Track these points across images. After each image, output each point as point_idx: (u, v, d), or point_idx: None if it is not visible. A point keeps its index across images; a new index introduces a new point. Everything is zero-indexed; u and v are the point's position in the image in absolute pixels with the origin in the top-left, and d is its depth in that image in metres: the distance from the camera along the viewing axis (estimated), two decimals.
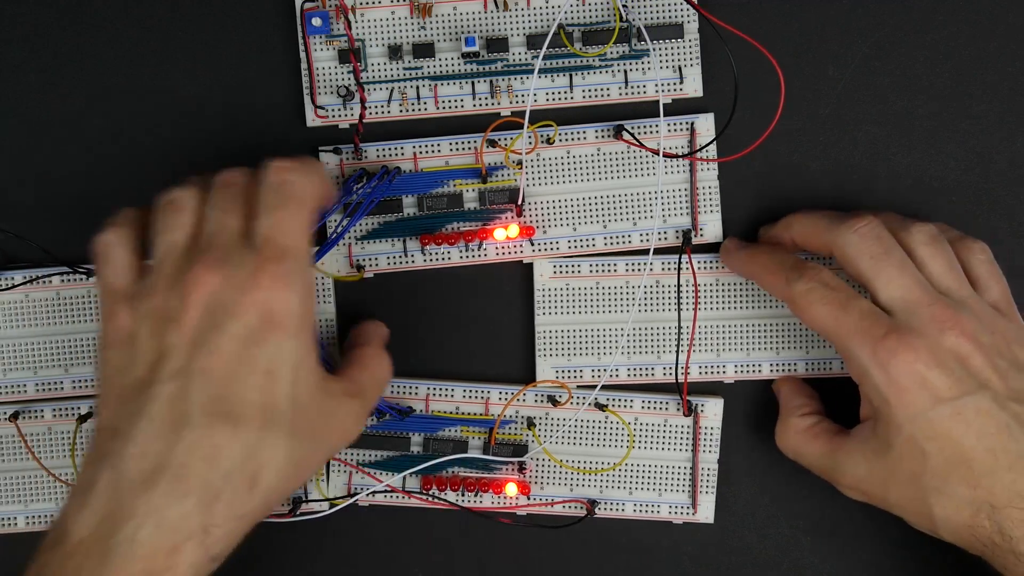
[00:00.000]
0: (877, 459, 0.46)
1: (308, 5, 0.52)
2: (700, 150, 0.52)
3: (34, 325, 0.54)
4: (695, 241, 0.53)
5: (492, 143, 0.52)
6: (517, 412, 0.54)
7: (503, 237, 0.53)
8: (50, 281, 0.54)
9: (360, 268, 0.53)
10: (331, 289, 0.54)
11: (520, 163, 0.52)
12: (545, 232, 0.53)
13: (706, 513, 0.54)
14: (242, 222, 0.45)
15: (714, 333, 0.53)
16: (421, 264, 0.53)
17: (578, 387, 0.53)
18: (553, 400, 0.53)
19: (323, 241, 0.52)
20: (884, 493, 0.47)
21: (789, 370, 0.53)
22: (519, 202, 0.52)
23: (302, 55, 0.52)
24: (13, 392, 0.54)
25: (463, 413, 0.54)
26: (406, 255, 0.53)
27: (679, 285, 0.53)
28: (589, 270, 0.53)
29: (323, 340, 0.53)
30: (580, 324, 0.53)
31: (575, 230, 0.53)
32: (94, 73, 0.54)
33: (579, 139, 0.52)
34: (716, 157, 0.52)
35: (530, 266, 0.54)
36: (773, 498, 0.54)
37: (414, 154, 0.53)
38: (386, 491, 0.54)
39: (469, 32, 0.52)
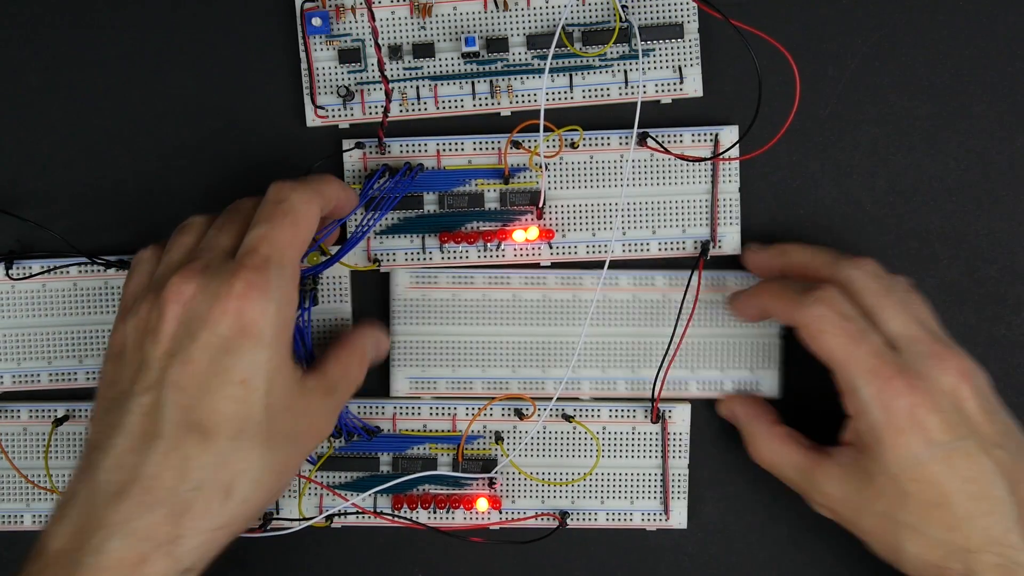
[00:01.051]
0: (856, 486, 0.46)
1: (308, 5, 0.52)
2: (722, 153, 0.52)
3: (50, 315, 0.54)
4: (713, 253, 0.53)
5: (516, 144, 0.52)
6: (484, 427, 0.54)
7: (522, 239, 0.53)
8: (67, 271, 0.54)
9: (376, 261, 0.53)
10: (348, 288, 0.54)
11: (542, 165, 0.52)
12: (564, 236, 0.53)
13: (679, 519, 0.54)
14: (234, 240, 0.45)
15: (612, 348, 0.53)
16: (439, 262, 0.53)
17: (556, 399, 0.53)
18: (519, 413, 0.53)
19: (344, 239, 0.52)
20: (856, 518, 0.47)
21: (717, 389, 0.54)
22: (540, 205, 0.52)
23: (302, 55, 0.52)
24: (27, 382, 0.54)
25: (430, 430, 0.54)
26: (424, 252, 0.53)
27: (684, 298, 0.52)
28: (448, 281, 0.53)
29: (306, 332, 0.52)
30: (436, 335, 0.54)
31: (594, 235, 0.53)
32: (94, 73, 0.54)
33: (603, 145, 0.52)
34: (737, 156, 0.52)
35: (386, 275, 0.54)
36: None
37: (437, 151, 0.53)
38: (356, 512, 0.54)
39: (469, 32, 0.52)
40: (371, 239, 0.53)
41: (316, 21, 0.51)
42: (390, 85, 0.52)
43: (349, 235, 0.52)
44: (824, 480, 0.48)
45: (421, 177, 0.52)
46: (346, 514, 0.54)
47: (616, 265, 0.53)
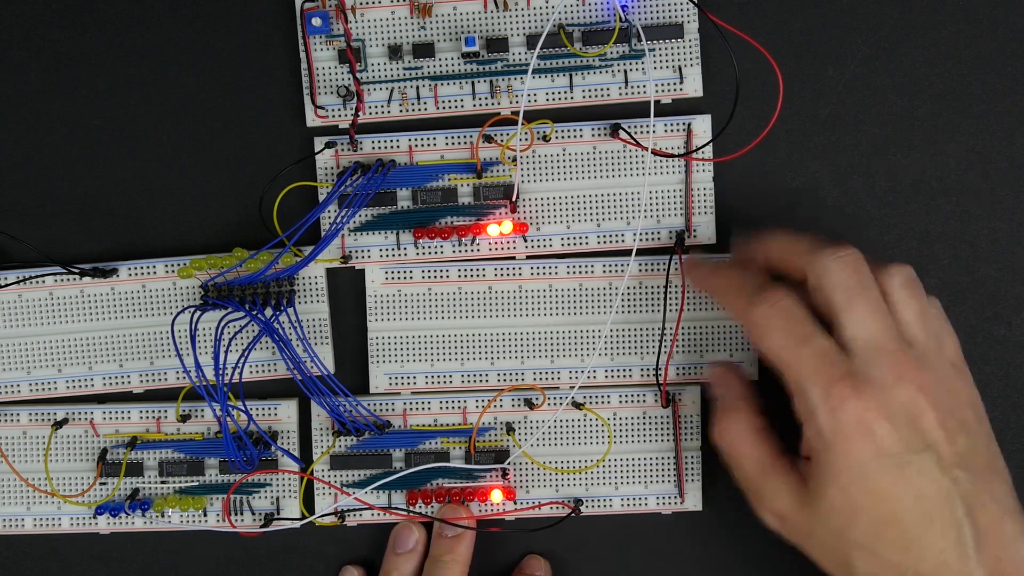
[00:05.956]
0: (807, 500, 0.45)
1: (308, 5, 0.52)
2: (696, 151, 0.52)
3: (27, 325, 0.54)
4: (688, 242, 0.53)
5: (488, 139, 0.52)
6: (495, 419, 0.54)
7: (496, 233, 0.53)
8: (43, 281, 0.54)
9: (346, 259, 0.53)
10: (324, 287, 0.53)
11: (515, 159, 0.52)
12: (539, 229, 0.53)
13: (694, 501, 0.54)
14: None
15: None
16: (413, 258, 0.53)
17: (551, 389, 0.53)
18: (530, 403, 0.53)
19: (318, 236, 0.53)
20: (807, 534, 0.45)
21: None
22: (513, 198, 0.52)
23: (302, 55, 0.52)
24: (7, 392, 0.54)
25: (442, 424, 0.54)
26: (399, 248, 0.53)
27: (667, 286, 0.53)
28: (421, 276, 0.53)
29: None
30: (412, 330, 0.54)
31: (568, 228, 0.53)
32: (94, 73, 0.54)
33: (575, 137, 0.52)
34: (712, 157, 0.52)
35: (362, 273, 0.54)
36: None
37: (409, 147, 0.53)
38: (368, 508, 0.54)
39: (469, 32, 0.52)
40: (345, 236, 0.53)
41: (316, 21, 0.51)
42: (388, 86, 0.52)
43: (323, 233, 0.52)
44: (779, 485, 0.46)
45: (394, 173, 0.52)
46: (360, 511, 0.54)
47: (591, 257, 0.53)
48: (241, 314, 0.51)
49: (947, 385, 0.45)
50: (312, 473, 0.54)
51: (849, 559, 0.44)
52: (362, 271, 0.53)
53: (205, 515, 0.54)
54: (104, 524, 0.55)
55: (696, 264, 0.51)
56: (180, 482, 0.54)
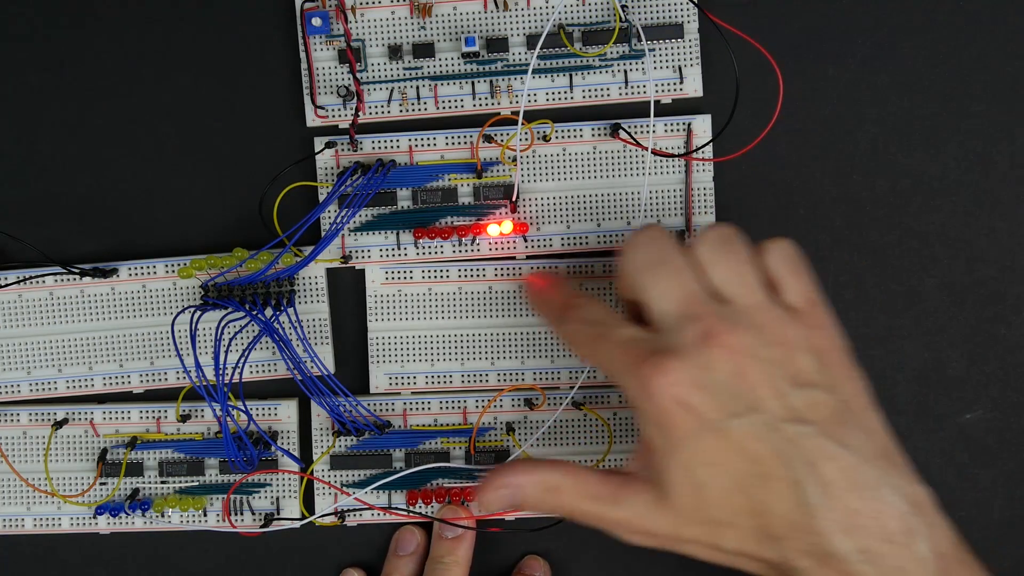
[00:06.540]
0: (659, 497, 0.42)
1: (308, 5, 0.52)
2: (696, 151, 0.52)
3: (27, 325, 0.54)
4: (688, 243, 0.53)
5: (488, 139, 0.52)
6: (495, 419, 0.54)
7: (496, 233, 0.53)
8: (43, 281, 0.54)
9: (346, 259, 0.53)
10: (324, 288, 0.53)
11: (515, 159, 0.52)
12: (539, 229, 0.53)
13: None
14: None
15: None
16: (414, 258, 0.53)
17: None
18: (530, 403, 0.53)
19: (318, 236, 0.53)
20: (675, 536, 0.42)
21: None
22: (513, 198, 0.52)
23: (302, 55, 0.52)
24: (7, 392, 0.54)
25: (442, 424, 0.54)
26: (399, 248, 0.53)
27: None
28: (421, 276, 0.53)
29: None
30: (412, 330, 0.54)
31: (568, 228, 0.53)
32: (94, 73, 0.54)
33: (575, 137, 0.52)
34: (711, 157, 0.52)
35: (362, 273, 0.54)
36: None
37: (410, 147, 0.53)
38: (368, 509, 0.54)
39: (469, 32, 0.52)
40: (345, 236, 0.53)
41: (316, 21, 0.51)
42: (388, 86, 0.52)
43: (323, 233, 0.52)
44: (632, 502, 0.43)
45: (394, 173, 0.53)
46: (360, 511, 0.54)
47: (591, 257, 0.53)
48: (241, 314, 0.51)
49: (775, 337, 0.41)
50: (312, 473, 0.54)
51: (717, 540, 0.42)
52: (362, 271, 0.53)
53: (205, 515, 0.54)
54: (104, 524, 0.55)
55: (529, 283, 0.50)
56: (180, 482, 0.54)
